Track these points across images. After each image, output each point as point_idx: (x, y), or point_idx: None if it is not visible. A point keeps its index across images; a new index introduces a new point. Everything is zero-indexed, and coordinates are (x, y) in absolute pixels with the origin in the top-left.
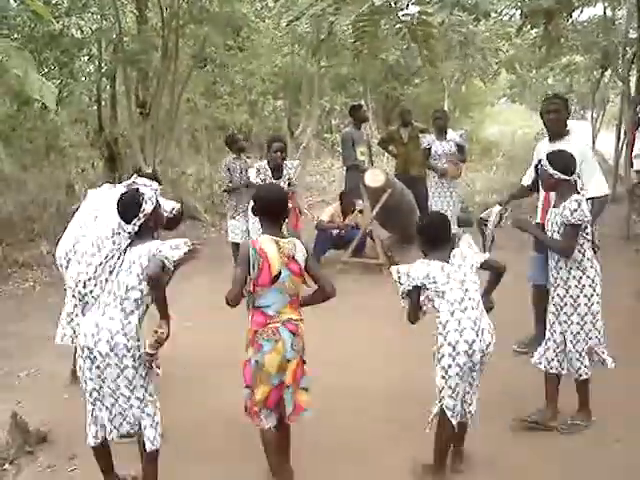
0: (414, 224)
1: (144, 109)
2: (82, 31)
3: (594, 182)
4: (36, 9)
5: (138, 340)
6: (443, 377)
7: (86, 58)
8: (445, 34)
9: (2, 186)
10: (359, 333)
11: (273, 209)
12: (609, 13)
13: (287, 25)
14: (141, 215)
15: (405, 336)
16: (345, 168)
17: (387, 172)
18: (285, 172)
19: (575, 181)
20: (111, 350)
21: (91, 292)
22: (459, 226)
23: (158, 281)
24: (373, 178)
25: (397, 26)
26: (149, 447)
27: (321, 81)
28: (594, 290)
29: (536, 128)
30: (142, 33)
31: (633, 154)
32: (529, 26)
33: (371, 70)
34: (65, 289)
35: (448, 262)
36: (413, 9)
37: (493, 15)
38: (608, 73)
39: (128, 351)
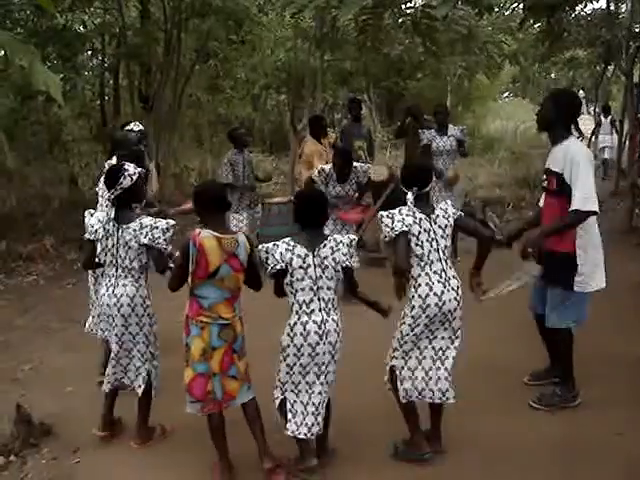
0: None
1: (147, 103)
2: (85, 25)
3: (579, 194)
4: (41, 2)
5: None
6: (407, 334)
7: (89, 52)
8: (448, 28)
9: (5, 180)
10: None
11: (213, 205)
12: (612, 7)
13: (291, 17)
14: (118, 187)
15: None
16: None
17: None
18: (352, 176)
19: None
20: (132, 311)
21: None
22: None
23: (165, 268)
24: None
25: (401, 19)
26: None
27: (324, 75)
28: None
29: None
30: (145, 27)
31: None
32: (532, 20)
33: (374, 64)
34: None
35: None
36: (417, 2)
37: (496, 9)
38: (611, 67)
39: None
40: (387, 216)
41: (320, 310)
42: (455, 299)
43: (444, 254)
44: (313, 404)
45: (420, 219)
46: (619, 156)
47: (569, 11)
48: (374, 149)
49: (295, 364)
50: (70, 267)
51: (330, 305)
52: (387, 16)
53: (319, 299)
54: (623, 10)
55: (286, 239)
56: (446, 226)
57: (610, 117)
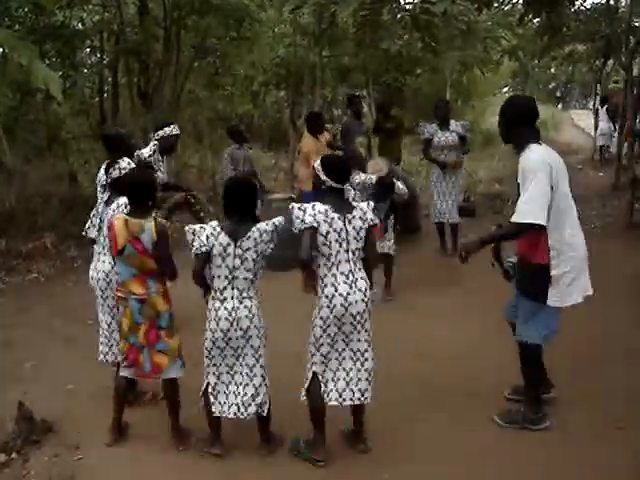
0: (415, 215)
1: (146, 100)
2: (84, 23)
3: (519, 206)
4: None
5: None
6: (320, 336)
7: (88, 50)
8: (447, 23)
9: (5, 178)
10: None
11: (134, 192)
12: (612, 1)
13: (290, 13)
14: (108, 177)
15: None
16: None
17: (389, 162)
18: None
19: None
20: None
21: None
22: (461, 216)
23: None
24: (374, 168)
25: (400, 14)
26: None
27: (323, 71)
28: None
29: (538, 118)
30: (144, 24)
31: None
32: (531, 15)
33: (373, 60)
34: None
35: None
36: None
37: (495, 4)
38: (611, 62)
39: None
40: (299, 208)
41: (233, 298)
42: (362, 300)
43: (354, 255)
44: (236, 385)
45: (332, 218)
46: (619, 150)
47: (569, 5)
48: (370, 145)
49: (212, 348)
50: (70, 265)
51: (245, 294)
52: (386, 12)
53: (233, 288)
54: (623, 4)
55: (213, 223)
56: (360, 228)
57: (606, 106)
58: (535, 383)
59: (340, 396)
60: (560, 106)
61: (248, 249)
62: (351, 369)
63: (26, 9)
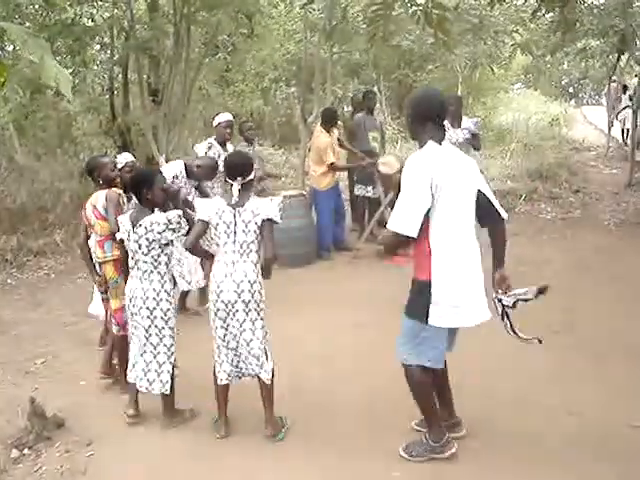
0: None
1: (156, 97)
2: (94, 19)
3: (392, 213)
4: None
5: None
6: (212, 318)
7: (98, 46)
8: (459, 18)
9: (16, 175)
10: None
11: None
12: None
13: (301, 9)
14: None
15: None
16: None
17: (401, 158)
18: None
19: None
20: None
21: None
22: None
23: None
24: (387, 164)
25: (411, 9)
26: None
27: (334, 68)
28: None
29: (550, 114)
30: (154, 20)
31: None
32: (544, 10)
33: (384, 56)
34: None
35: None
36: None
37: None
38: (625, 57)
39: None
40: (201, 202)
41: (136, 277)
42: (235, 291)
43: (242, 247)
44: (144, 360)
45: (223, 211)
46: (633, 148)
47: (582, 0)
48: (385, 141)
49: (127, 320)
50: (81, 261)
51: (147, 275)
52: (397, 6)
53: (137, 269)
54: None
55: (130, 211)
56: (249, 222)
57: (628, 93)
58: (427, 409)
59: (229, 376)
60: (572, 102)
61: (140, 236)
62: (235, 354)
63: (37, 6)
